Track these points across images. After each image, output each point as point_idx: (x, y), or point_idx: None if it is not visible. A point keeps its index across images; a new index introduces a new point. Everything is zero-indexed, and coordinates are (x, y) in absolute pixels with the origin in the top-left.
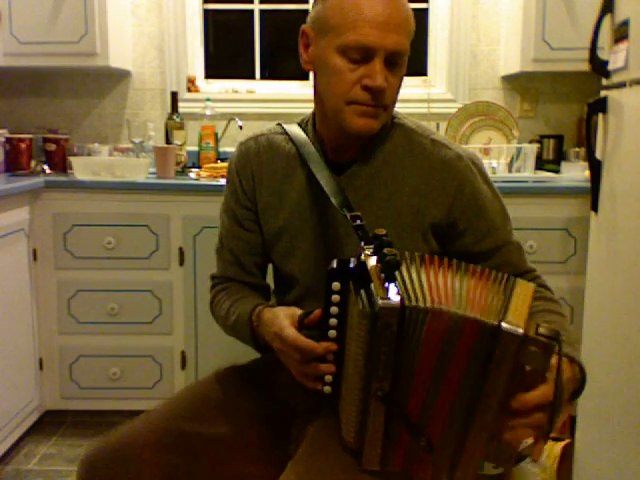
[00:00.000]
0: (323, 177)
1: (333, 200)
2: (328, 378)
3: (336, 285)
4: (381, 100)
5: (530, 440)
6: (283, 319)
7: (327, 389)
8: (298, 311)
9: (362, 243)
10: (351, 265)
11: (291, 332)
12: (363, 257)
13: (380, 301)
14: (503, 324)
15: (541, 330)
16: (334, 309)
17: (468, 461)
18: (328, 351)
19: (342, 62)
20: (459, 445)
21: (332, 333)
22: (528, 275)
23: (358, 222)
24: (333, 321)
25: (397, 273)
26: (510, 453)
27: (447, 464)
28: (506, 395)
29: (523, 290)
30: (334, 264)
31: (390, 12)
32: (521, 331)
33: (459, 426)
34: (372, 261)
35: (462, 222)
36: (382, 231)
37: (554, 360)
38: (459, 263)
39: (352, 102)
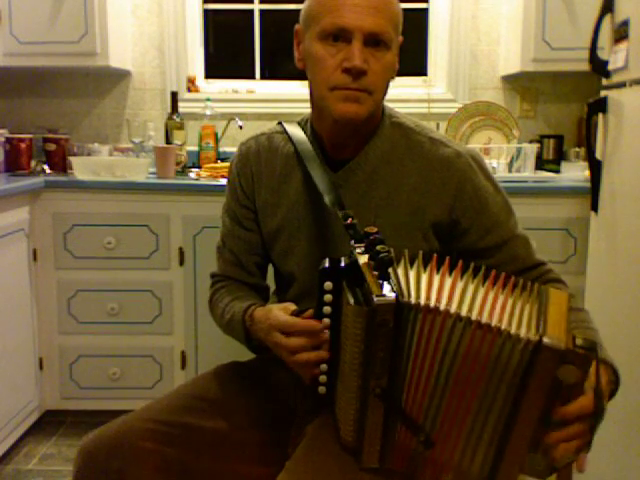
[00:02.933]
0: (317, 175)
1: (326, 198)
2: (323, 379)
3: (328, 285)
4: (362, 83)
5: None
6: (277, 311)
7: (322, 389)
8: (291, 306)
9: (352, 242)
10: (342, 264)
11: (287, 318)
12: (354, 255)
13: (376, 298)
14: (545, 339)
15: (578, 342)
16: (327, 309)
17: (506, 472)
18: (324, 327)
19: (322, 48)
20: (497, 456)
21: (325, 333)
22: (538, 269)
23: (349, 221)
24: (326, 321)
25: (391, 270)
26: (547, 465)
27: (483, 475)
28: (545, 408)
29: (558, 300)
30: (325, 264)
31: None
32: (563, 346)
33: (492, 437)
34: (363, 259)
35: (465, 220)
36: (373, 229)
37: (592, 369)
38: (476, 269)
39: (335, 87)
